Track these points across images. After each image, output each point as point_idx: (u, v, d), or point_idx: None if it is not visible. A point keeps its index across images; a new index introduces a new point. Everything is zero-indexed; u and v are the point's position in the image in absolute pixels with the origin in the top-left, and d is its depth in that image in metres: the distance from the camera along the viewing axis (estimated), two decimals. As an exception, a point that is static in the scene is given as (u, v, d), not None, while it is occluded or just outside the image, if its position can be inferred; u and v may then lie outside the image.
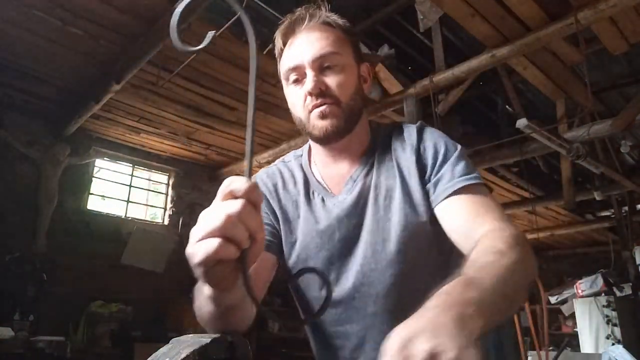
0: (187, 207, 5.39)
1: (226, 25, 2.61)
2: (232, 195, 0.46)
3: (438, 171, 0.81)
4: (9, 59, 3.37)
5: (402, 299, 0.78)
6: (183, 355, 0.58)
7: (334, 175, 0.89)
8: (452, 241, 0.77)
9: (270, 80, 3.57)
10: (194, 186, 5.52)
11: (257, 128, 4.44)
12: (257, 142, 4.77)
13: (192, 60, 2.99)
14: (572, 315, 6.35)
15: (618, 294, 5.67)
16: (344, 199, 0.85)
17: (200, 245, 0.46)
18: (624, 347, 2.56)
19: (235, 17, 2.39)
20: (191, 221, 5.45)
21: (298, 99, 0.84)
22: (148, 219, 5.36)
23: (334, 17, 0.87)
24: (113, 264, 4.62)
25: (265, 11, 4.28)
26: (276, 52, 0.92)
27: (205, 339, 0.62)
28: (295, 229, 0.87)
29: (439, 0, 2.75)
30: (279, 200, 0.90)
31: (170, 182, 5.49)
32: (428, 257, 0.81)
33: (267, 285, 0.84)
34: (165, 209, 5.42)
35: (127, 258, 4.71)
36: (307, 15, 0.85)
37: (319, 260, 0.83)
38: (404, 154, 0.86)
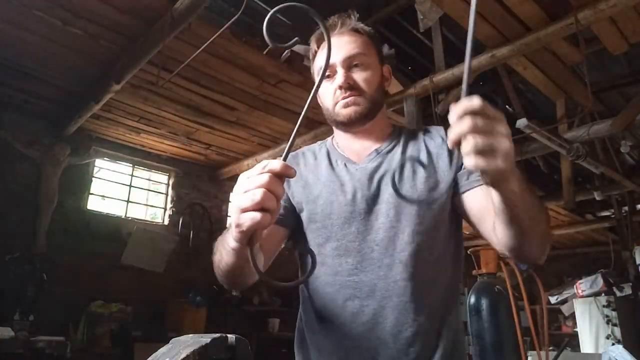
0: (187, 207, 5.39)
1: (226, 25, 2.61)
2: (269, 172, 0.60)
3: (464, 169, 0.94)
4: (9, 59, 3.37)
5: (416, 253, 0.89)
6: (183, 355, 0.58)
7: (356, 149, 1.02)
8: (472, 216, 0.91)
9: (270, 80, 3.57)
10: (194, 186, 5.52)
11: (257, 128, 4.45)
12: (257, 142, 4.77)
13: (192, 60, 2.99)
14: (572, 315, 6.35)
15: (618, 294, 5.67)
16: (366, 166, 0.97)
17: (247, 216, 0.60)
18: (624, 347, 2.56)
19: (235, 17, 2.38)
20: (191, 221, 5.48)
21: (328, 92, 0.98)
22: (148, 219, 5.36)
23: (362, 25, 1.01)
24: (113, 264, 4.62)
25: (265, 11, 4.28)
26: (310, 55, 1.05)
27: (205, 339, 0.62)
28: (316, 189, 0.97)
29: (439, 0, 2.75)
30: (300, 174, 1.01)
31: (170, 182, 5.49)
32: (439, 223, 0.93)
33: (276, 252, 0.97)
34: (165, 209, 5.42)
35: (127, 258, 4.71)
36: (339, 23, 0.99)
37: (342, 214, 0.93)
38: (433, 142, 0.99)
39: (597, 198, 5.12)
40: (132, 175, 5.22)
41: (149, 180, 5.50)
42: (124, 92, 3.64)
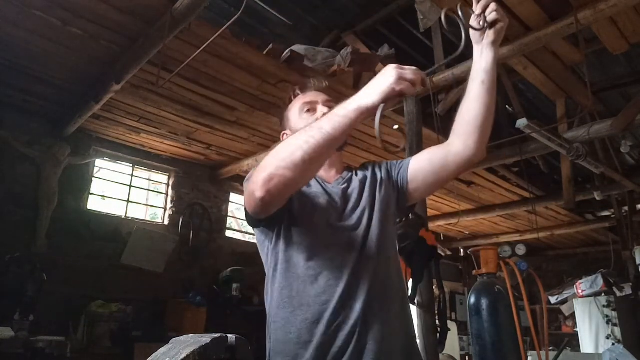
0: (187, 207, 5.39)
1: (226, 25, 2.61)
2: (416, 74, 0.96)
3: (399, 163, 1.34)
4: (9, 59, 3.37)
5: (380, 252, 1.20)
6: (183, 355, 0.58)
7: (326, 177, 1.40)
8: (428, 167, 1.25)
9: (270, 80, 3.57)
10: (194, 186, 5.52)
11: (257, 128, 4.45)
12: (257, 142, 4.77)
13: (192, 60, 2.99)
14: (572, 315, 6.36)
15: (618, 294, 5.67)
16: (335, 186, 1.34)
17: (409, 75, 0.93)
18: (624, 347, 2.56)
19: (236, 17, 2.38)
20: (191, 221, 5.47)
21: (309, 122, 1.32)
22: (148, 219, 5.37)
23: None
24: (113, 264, 4.62)
25: (265, 11, 4.27)
26: (292, 95, 1.48)
27: (205, 339, 0.62)
28: (312, 197, 1.30)
29: (439, 0, 2.75)
30: (306, 190, 1.32)
31: (170, 182, 5.48)
32: (390, 216, 1.28)
33: None
34: (165, 209, 5.42)
35: (127, 258, 4.71)
36: (324, 83, 1.47)
37: (327, 213, 1.26)
38: (372, 167, 1.38)
39: (597, 198, 5.13)
40: (132, 175, 5.22)
41: (149, 180, 5.50)
42: (124, 92, 3.64)
